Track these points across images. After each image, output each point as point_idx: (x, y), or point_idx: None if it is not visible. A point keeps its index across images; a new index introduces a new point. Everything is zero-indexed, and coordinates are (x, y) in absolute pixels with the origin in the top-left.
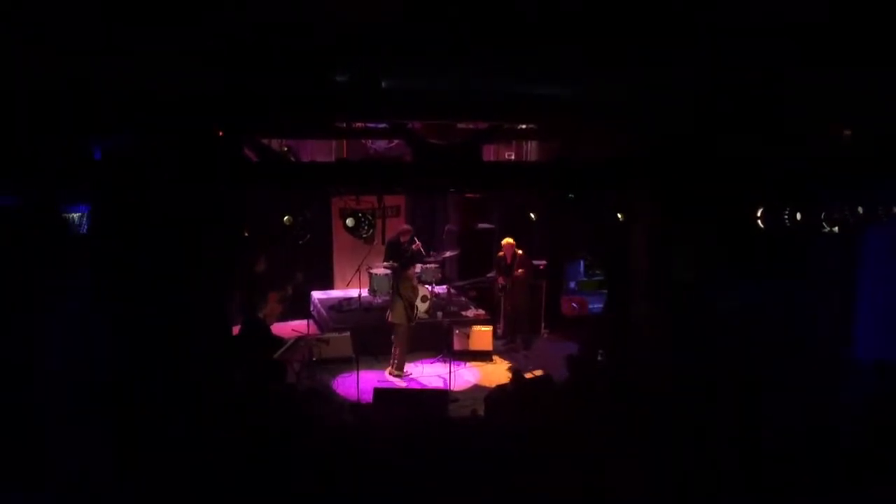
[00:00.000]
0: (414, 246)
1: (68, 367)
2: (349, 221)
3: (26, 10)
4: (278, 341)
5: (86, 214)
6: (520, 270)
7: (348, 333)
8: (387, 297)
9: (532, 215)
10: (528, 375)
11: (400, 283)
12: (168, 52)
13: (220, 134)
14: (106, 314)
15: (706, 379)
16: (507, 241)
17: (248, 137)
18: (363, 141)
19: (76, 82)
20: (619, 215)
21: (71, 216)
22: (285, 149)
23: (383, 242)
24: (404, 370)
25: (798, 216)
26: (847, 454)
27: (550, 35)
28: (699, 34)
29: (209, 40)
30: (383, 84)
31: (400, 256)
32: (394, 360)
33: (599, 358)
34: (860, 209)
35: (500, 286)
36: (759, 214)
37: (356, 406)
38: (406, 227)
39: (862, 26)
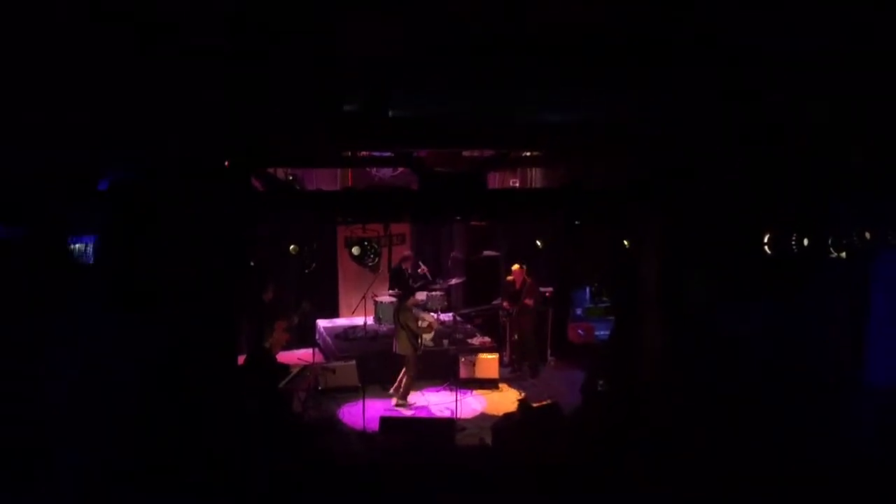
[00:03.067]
0: (420, 270)
1: (77, 399)
2: (355, 250)
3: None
4: (284, 370)
5: (91, 245)
6: (528, 300)
7: (354, 362)
8: (392, 326)
9: (538, 242)
10: (535, 405)
11: (401, 314)
12: (173, 81)
13: (227, 164)
14: (112, 345)
15: (714, 403)
16: (517, 267)
17: (254, 167)
18: (368, 169)
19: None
20: (626, 242)
21: (77, 247)
22: (290, 178)
23: (389, 270)
24: (408, 400)
25: (805, 242)
26: (861, 478)
27: (553, 61)
28: (704, 57)
29: (215, 68)
30: (390, 113)
31: (403, 284)
32: (399, 388)
33: (599, 388)
34: (868, 234)
35: (505, 311)
36: (765, 240)
37: (363, 435)
38: (408, 253)
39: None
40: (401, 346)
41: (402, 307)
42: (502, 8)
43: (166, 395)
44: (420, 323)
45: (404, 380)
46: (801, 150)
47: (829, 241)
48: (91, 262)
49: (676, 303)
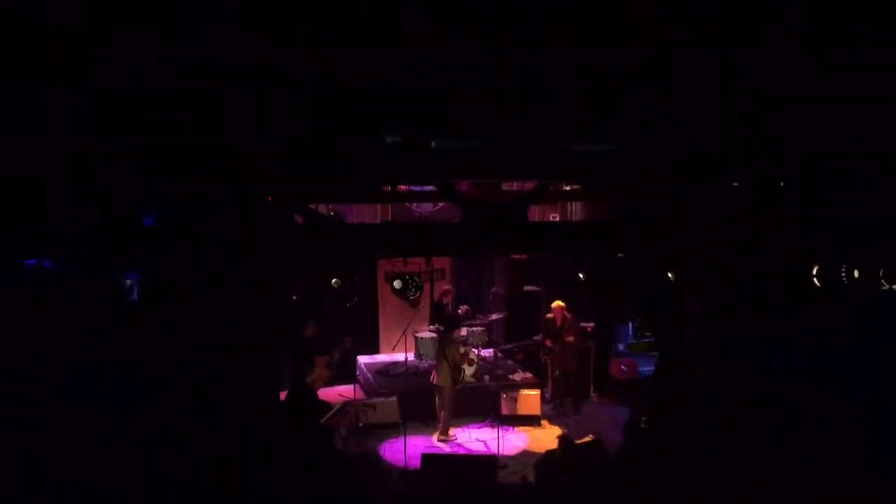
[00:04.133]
0: (461, 311)
1: (118, 434)
2: (396, 283)
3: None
4: (325, 407)
5: (137, 281)
6: (570, 338)
7: (395, 398)
8: (433, 361)
9: (581, 276)
10: (578, 442)
11: (446, 346)
12: (214, 117)
13: (270, 199)
14: (155, 380)
15: (758, 447)
16: (558, 303)
17: (297, 202)
18: (408, 205)
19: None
20: (670, 275)
21: (124, 283)
22: (332, 213)
23: (431, 305)
24: (450, 434)
25: (855, 273)
26: None
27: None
28: (745, 90)
29: (256, 106)
30: (432, 144)
31: (444, 318)
32: (440, 424)
33: (643, 424)
34: None
35: (547, 349)
36: (814, 272)
37: (405, 472)
38: (447, 287)
39: None
40: (440, 378)
41: (448, 339)
42: (525, 45)
43: (201, 433)
44: (464, 355)
45: (442, 415)
46: (846, 181)
47: (881, 273)
48: (135, 298)
49: (718, 340)
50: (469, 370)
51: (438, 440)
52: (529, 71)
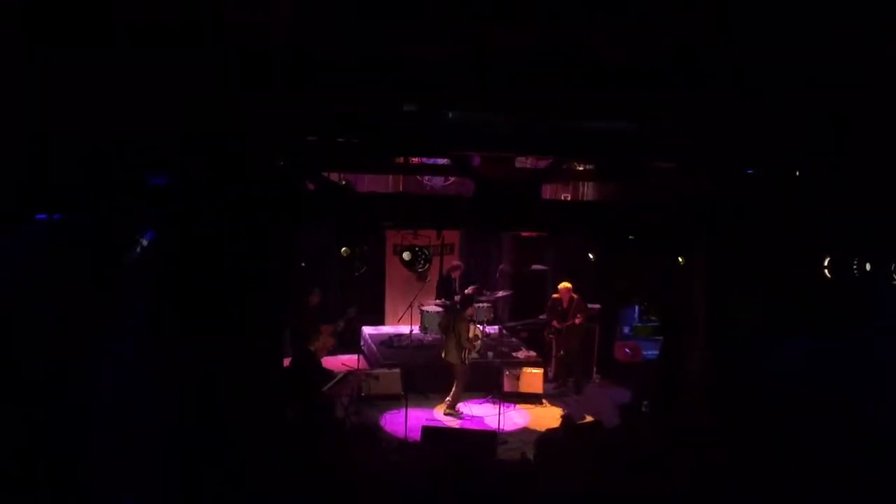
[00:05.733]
0: (468, 290)
1: (120, 401)
2: (406, 255)
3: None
4: (328, 375)
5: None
6: (577, 320)
7: (398, 370)
8: (437, 335)
9: (591, 256)
10: (579, 422)
11: (457, 322)
12: (230, 81)
13: (281, 164)
14: (160, 344)
15: (756, 441)
16: (565, 285)
17: (309, 169)
18: (419, 178)
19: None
20: (680, 259)
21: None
22: (344, 183)
23: (438, 280)
24: (457, 409)
25: (868, 266)
26: None
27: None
28: (757, 83)
29: (270, 69)
30: (450, 115)
31: (451, 293)
32: (450, 397)
33: (644, 409)
34: None
35: (553, 329)
36: (825, 263)
37: (404, 444)
38: (457, 262)
39: None
40: (449, 354)
41: (460, 316)
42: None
43: (209, 403)
44: (470, 334)
45: (455, 390)
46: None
47: (893, 268)
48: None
49: (721, 330)
50: (474, 347)
51: (445, 413)
52: (548, 57)
